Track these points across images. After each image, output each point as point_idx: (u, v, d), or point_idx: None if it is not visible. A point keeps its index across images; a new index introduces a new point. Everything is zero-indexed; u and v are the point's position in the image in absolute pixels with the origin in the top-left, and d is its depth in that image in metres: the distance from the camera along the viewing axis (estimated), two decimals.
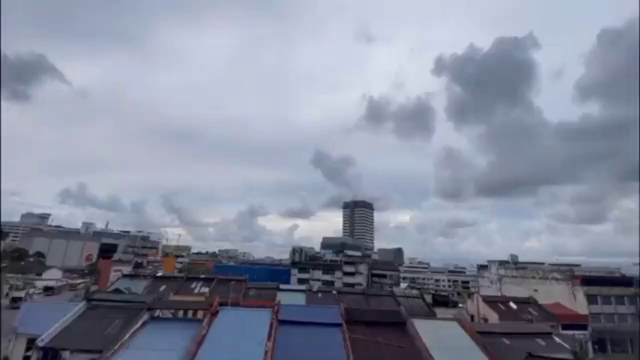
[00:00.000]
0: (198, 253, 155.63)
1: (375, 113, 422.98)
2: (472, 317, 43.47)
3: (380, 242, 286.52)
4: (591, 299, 49.93)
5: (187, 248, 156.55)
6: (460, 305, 72.53)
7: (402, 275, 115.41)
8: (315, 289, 39.68)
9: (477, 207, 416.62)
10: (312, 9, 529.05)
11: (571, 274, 56.70)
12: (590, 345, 44.93)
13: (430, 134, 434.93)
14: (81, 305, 22.74)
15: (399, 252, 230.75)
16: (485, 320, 40.14)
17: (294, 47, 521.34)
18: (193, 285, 38.00)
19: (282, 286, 39.62)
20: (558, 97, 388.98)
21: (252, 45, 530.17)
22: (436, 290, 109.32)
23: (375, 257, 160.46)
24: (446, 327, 23.64)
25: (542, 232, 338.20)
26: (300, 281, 73.94)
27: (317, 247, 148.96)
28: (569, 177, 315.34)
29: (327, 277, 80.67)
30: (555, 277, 55.41)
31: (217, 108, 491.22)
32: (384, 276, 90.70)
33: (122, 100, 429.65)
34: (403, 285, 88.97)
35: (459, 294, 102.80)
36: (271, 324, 18.38)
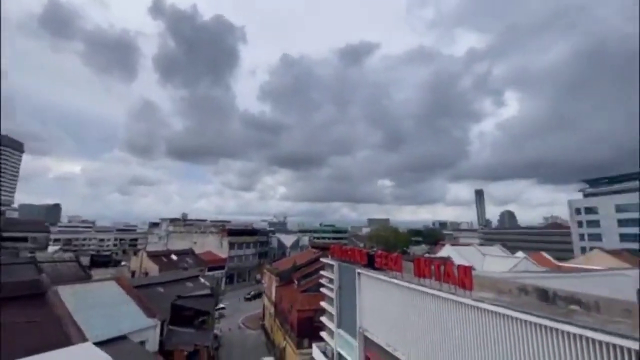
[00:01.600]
0: None
1: (57, 20, 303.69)
2: (133, 273, 44.59)
3: (29, 196, 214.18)
4: (231, 246, 67.86)
5: None
6: (123, 263, 71.32)
7: (55, 237, 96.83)
8: None
9: (164, 167, 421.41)
10: None
11: (222, 228, 73.45)
12: (224, 280, 61.06)
13: (130, 78, 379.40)
14: None
15: (54, 208, 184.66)
16: (146, 274, 42.74)
17: None
18: None
19: None
20: (249, 91, 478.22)
21: None
22: (99, 251, 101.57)
23: (14, 215, 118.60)
24: (102, 288, 23.12)
25: (213, 195, 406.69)
26: None
27: None
28: (241, 154, 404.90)
29: None
30: (212, 231, 69.43)
31: None
32: (25, 239, 69.59)
33: None
34: (54, 248, 73.58)
35: (124, 252, 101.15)
36: None
